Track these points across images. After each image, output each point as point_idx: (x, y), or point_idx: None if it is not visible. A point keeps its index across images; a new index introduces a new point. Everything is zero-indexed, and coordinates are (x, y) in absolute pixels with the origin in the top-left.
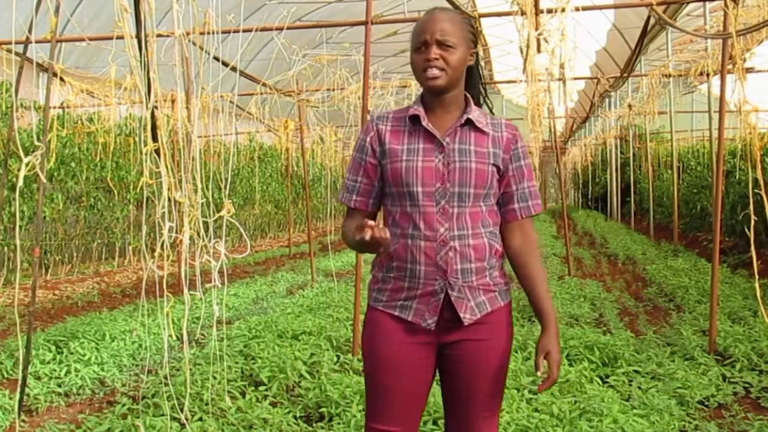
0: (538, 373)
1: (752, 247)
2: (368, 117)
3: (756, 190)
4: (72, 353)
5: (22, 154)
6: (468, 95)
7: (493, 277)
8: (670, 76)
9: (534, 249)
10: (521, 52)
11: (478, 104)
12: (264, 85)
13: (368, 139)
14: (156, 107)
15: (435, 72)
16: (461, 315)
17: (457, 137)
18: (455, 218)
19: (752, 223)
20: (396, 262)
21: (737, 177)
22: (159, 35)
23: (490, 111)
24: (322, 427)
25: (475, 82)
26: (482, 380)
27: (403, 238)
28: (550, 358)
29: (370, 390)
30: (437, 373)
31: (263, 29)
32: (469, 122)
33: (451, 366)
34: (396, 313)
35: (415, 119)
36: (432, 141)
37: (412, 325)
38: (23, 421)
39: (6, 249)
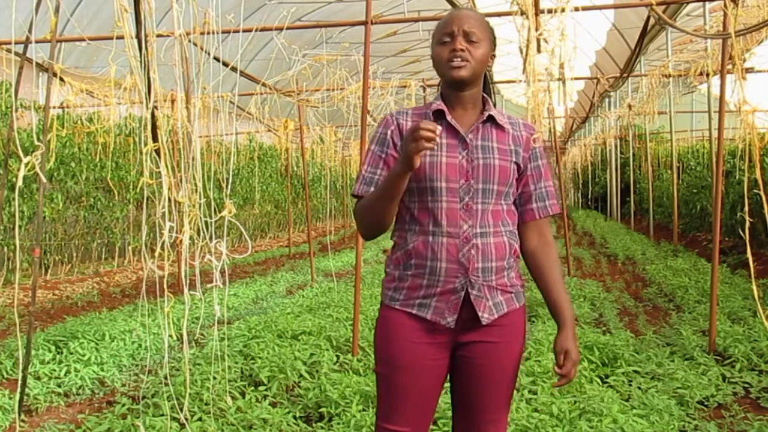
0: (557, 369)
1: (748, 251)
2: (368, 117)
3: (756, 191)
4: (72, 353)
5: (21, 154)
6: (485, 95)
7: (510, 277)
8: (669, 76)
9: (551, 249)
10: (521, 52)
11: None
12: (264, 85)
13: (389, 132)
14: (156, 107)
15: (460, 62)
16: (480, 314)
17: (479, 134)
18: (479, 215)
19: (747, 225)
20: (414, 260)
21: (737, 177)
22: (159, 35)
23: None
24: (322, 427)
25: (486, 85)
26: (493, 383)
27: (423, 235)
28: (568, 358)
29: (382, 390)
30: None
31: (263, 29)
32: (491, 119)
33: (463, 367)
34: (414, 312)
35: (438, 114)
36: (455, 137)
37: (431, 324)
38: (23, 421)
39: (6, 249)
